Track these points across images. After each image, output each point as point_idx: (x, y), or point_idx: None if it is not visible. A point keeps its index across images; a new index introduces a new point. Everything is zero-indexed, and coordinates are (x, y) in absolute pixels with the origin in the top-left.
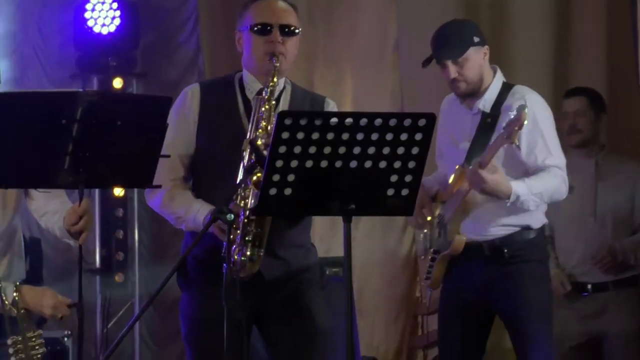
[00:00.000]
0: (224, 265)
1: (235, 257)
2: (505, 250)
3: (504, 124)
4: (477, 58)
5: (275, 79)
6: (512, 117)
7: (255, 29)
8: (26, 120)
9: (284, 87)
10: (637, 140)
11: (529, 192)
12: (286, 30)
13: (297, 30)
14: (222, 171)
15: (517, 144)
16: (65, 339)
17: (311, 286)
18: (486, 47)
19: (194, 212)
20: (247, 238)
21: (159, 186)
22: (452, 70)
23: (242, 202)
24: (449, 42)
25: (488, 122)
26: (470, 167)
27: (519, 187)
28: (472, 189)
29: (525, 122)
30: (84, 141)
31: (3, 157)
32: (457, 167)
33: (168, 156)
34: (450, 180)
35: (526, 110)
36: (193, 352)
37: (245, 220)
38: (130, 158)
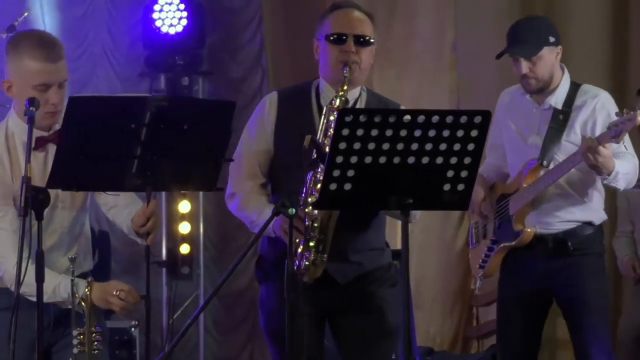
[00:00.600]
0: (285, 261)
1: (299, 262)
2: (570, 244)
3: (610, 123)
4: (550, 57)
5: (345, 88)
6: (619, 119)
7: (331, 38)
8: (97, 124)
9: (360, 94)
10: None
11: (622, 171)
12: (361, 40)
13: (371, 40)
14: (296, 177)
15: (624, 144)
16: (133, 329)
17: (383, 284)
18: (559, 47)
19: (265, 216)
20: (310, 244)
21: (222, 189)
22: (524, 66)
23: (307, 208)
24: (525, 40)
25: (560, 118)
26: (588, 138)
27: (619, 166)
28: (583, 160)
29: None
30: (152, 145)
31: (73, 160)
32: (529, 161)
33: (232, 160)
34: (519, 173)
35: (639, 111)
36: (273, 343)
37: (309, 227)
38: (195, 162)
